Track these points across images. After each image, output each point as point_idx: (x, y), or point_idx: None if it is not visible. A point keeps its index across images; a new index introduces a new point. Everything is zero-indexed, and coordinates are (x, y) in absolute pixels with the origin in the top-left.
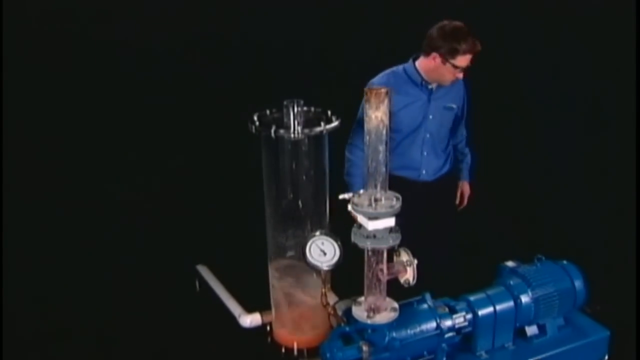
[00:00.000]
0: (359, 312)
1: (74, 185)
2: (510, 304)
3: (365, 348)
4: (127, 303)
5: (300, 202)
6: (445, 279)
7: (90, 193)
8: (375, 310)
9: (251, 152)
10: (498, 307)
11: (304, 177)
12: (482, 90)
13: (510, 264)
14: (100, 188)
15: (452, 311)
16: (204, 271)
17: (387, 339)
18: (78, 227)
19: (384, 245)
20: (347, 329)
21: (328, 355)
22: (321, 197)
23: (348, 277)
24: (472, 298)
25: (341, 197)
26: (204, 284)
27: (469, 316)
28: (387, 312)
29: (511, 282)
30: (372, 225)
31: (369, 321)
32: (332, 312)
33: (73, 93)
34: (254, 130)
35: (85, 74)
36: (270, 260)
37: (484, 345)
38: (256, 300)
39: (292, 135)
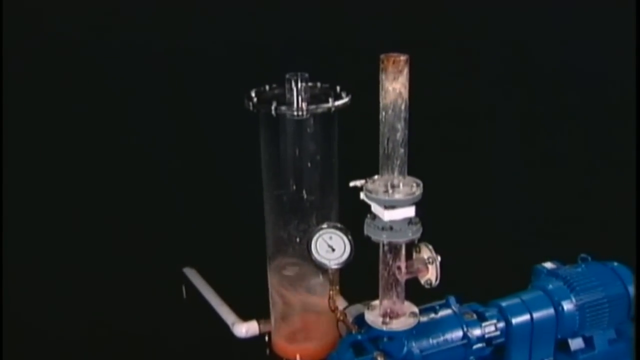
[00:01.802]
0: (373, 317)
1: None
2: (550, 311)
3: (380, 359)
4: (100, 313)
5: (304, 192)
6: (467, 281)
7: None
8: (392, 315)
9: (247, 135)
10: (535, 315)
11: (309, 164)
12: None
13: (548, 265)
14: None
15: (481, 318)
16: (192, 274)
17: (405, 349)
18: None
19: (402, 239)
20: (359, 336)
21: None
22: (329, 185)
23: (359, 279)
24: (504, 304)
25: (352, 184)
26: (191, 289)
27: (501, 325)
28: (405, 318)
29: (550, 286)
30: (388, 216)
31: (384, 328)
32: (341, 317)
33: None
34: (251, 107)
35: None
36: (270, 259)
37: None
38: (252, 307)
39: (296, 113)
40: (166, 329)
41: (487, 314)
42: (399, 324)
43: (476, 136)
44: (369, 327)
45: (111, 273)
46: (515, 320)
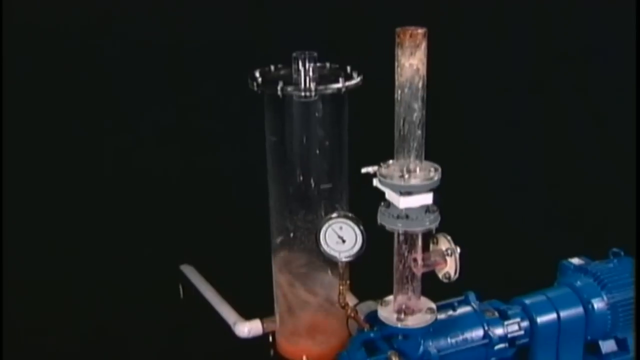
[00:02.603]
0: (387, 313)
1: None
2: (579, 310)
3: (394, 359)
4: (92, 313)
5: (312, 180)
6: (485, 278)
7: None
8: (407, 311)
9: (250, 120)
10: (563, 314)
11: (318, 149)
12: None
13: (575, 260)
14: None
15: (504, 316)
16: (190, 272)
17: (421, 348)
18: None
19: (418, 228)
20: (372, 334)
21: None
22: (339, 172)
23: (369, 276)
24: (528, 301)
25: (364, 170)
26: (189, 287)
27: (525, 324)
28: (422, 314)
29: (579, 283)
30: (404, 203)
31: (399, 325)
32: (352, 314)
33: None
34: (255, 87)
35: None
36: (274, 253)
37: None
38: (255, 305)
39: (303, 94)
40: (163, 330)
41: (509, 312)
42: (414, 321)
43: (499, 118)
44: (382, 324)
45: (102, 271)
46: (541, 319)
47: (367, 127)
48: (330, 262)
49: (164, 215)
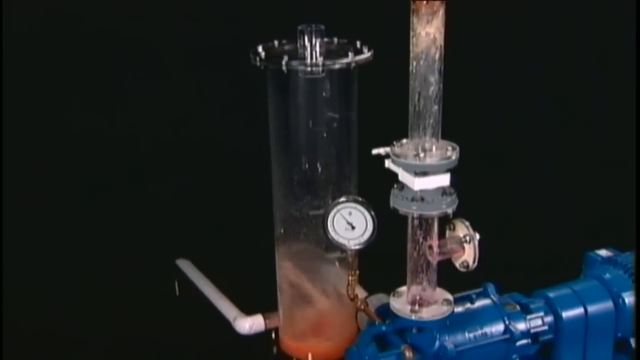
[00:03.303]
0: (400, 305)
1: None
2: (608, 304)
3: (408, 354)
4: (89, 310)
5: (319, 163)
6: (503, 270)
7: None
8: (422, 303)
9: (252, 98)
10: (591, 309)
11: (325, 130)
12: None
13: (603, 252)
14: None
15: (526, 310)
16: (186, 267)
17: (437, 343)
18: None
19: (434, 212)
20: (384, 327)
21: None
22: (347, 155)
23: (378, 269)
24: (552, 294)
25: (375, 151)
26: (186, 283)
27: (549, 319)
28: (437, 306)
29: (608, 275)
30: (419, 184)
31: (413, 317)
32: (362, 306)
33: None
34: (258, 63)
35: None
36: (278, 243)
37: None
38: (257, 300)
39: (310, 69)
40: (158, 328)
41: (532, 306)
42: (430, 313)
43: (521, 95)
44: (395, 316)
45: (93, 267)
46: (567, 314)
47: (379, 107)
48: (338, 252)
49: (158, 208)
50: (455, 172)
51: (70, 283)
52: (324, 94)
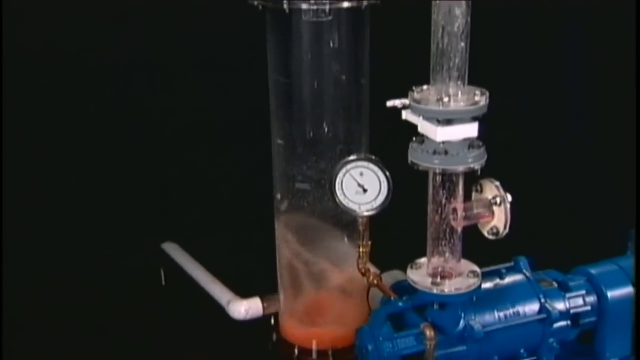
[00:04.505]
0: (419, 277)
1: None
2: None
3: (429, 333)
4: (67, 302)
5: (325, 122)
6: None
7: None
8: (445, 275)
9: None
10: None
11: (333, 85)
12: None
13: None
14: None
15: (565, 288)
16: (174, 250)
17: (462, 322)
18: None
19: (460, 166)
20: (400, 304)
21: (370, 347)
22: (357, 110)
23: (391, 246)
24: (594, 271)
25: (390, 103)
26: (174, 268)
27: (592, 299)
28: (463, 279)
29: None
30: (442, 135)
31: (434, 290)
32: (375, 281)
33: None
34: (255, 2)
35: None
36: (278, 216)
37: (618, 349)
38: (254, 283)
39: (315, 8)
40: (146, 318)
41: (571, 284)
42: (454, 286)
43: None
44: (413, 292)
45: (75, 255)
46: (613, 294)
47: (395, 55)
48: (347, 224)
49: (141, 184)
50: (483, 124)
51: (55, 270)
52: (331, 41)
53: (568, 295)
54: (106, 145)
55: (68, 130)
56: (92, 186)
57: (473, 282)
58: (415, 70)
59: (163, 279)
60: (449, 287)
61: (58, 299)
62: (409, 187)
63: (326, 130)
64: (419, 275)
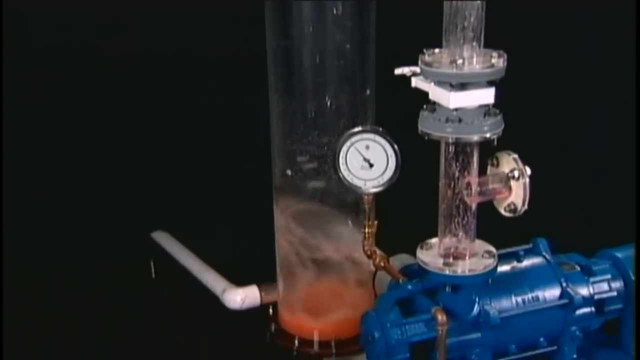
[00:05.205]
0: (430, 257)
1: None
2: None
3: (440, 318)
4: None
5: (328, 94)
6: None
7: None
8: (457, 255)
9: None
10: None
11: (336, 51)
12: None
13: None
14: None
15: (588, 272)
16: (164, 239)
17: (476, 307)
18: None
19: (475, 135)
20: (410, 286)
21: (376, 334)
22: (362, 81)
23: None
24: (620, 254)
25: (399, 71)
26: (165, 257)
27: (617, 284)
28: (477, 259)
29: None
30: (455, 101)
31: (446, 271)
32: (382, 263)
33: None
34: None
35: None
36: (277, 196)
37: None
38: (250, 272)
39: None
40: (136, 309)
41: (595, 268)
42: (467, 267)
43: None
44: (423, 274)
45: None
46: None
47: (403, 18)
48: (351, 203)
49: (129, 169)
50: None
51: (41, 262)
52: (334, 10)
53: (592, 280)
54: (90, 130)
55: (54, 119)
56: (76, 174)
57: (489, 262)
58: (425, 37)
59: (153, 271)
60: (462, 268)
61: (44, 294)
62: (418, 163)
63: (328, 102)
64: (430, 255)
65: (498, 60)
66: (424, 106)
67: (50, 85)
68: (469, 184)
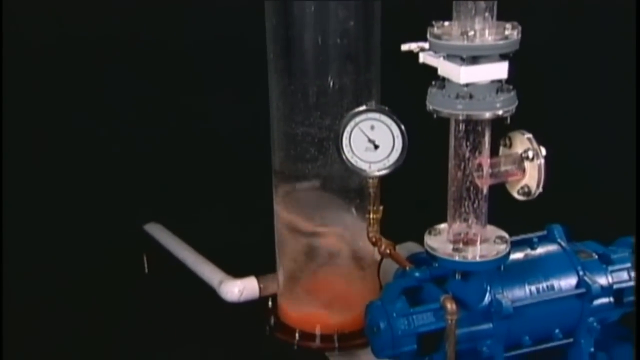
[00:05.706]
0: (439, 243)
1: None
2: None
3: (450, 306)
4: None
5: (330, 75)
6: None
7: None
8: (467, 241)
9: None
10: None
11: (338, 30)
12: None
13: None
14: None
15: (606, 261)
16: (157, 231)
17: (487, 296)
18: None
19: (486, 112)
20: (417, 274)
21: (382, 325)
22: (366, 60)
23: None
24: None
25: (405, 47)
26: (158, 250)
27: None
28: (488, 245)
29: None
30: (466, 75)
31: (456, 257)
32: (388, 250)
33: None
34: None
35: None
36: (277, 181)
37: None
38: (248, 263)
39: None
40: (132, 301)
41: (614, 256)
42: (478, 253)
43: None
44: (431, 260)
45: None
46: None
47: None
48: (355, 189)
49: (121, 159)
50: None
51: (33, 255)
52: None
53: (610, 268)
54: (81, 123)
55: (47, 112)
56: (68, 166)
57: (501, 248)
58: (433, 12)
59: (146, 265)
60: (473, 254)
61: (36, 287)
62: (426, 145)
63: (331, 82)
64: (439, 241)
65: (512, 32)
66: (433, 82)
67: (42, 76)
68: (480, 165)
